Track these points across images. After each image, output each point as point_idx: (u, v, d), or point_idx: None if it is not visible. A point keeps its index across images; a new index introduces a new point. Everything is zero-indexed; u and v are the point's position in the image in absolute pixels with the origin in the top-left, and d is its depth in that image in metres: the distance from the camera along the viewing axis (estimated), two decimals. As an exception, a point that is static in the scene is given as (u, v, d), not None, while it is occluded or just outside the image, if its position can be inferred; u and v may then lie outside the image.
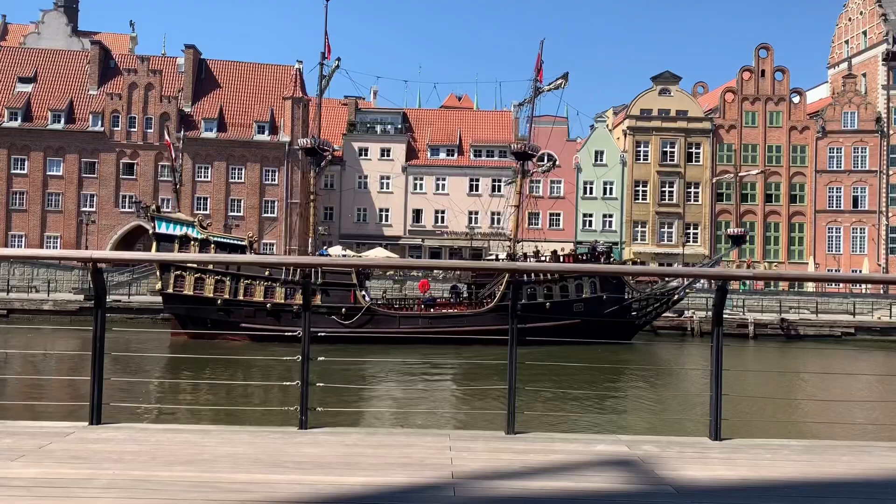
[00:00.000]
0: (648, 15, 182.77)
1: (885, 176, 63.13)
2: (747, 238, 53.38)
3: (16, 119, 61.64)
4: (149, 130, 61.70)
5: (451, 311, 38.76)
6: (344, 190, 65.36)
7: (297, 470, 4.20)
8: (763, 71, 64.77)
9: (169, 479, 3.94)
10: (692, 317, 44.19)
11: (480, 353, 30.66)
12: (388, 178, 65.59)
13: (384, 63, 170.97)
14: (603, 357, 29.34)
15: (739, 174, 62.82)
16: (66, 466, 4.16)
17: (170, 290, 36.60)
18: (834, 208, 63.67)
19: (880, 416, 19.26)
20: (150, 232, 38.91)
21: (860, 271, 60.40)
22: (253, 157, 62.54)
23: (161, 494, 3.71)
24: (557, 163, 53.70)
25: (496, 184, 64.42)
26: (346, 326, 35.36)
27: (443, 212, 65.10)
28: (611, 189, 64.53)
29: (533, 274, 35.80)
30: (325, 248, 47.61)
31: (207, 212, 59.25)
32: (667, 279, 39.58)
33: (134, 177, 61.87)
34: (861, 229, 63.30)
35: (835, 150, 63.90)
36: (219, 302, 36.24)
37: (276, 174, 62.67)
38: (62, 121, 61.77)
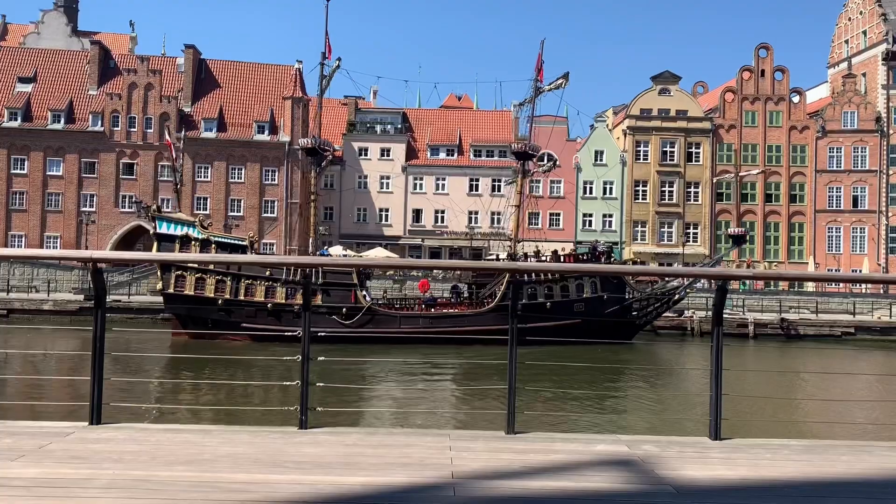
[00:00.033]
0: (648, 15, 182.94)
1: (884, 176, 63.13)
2: (747, 238, 53.28)
3: (16, 119, 61.66)
4: (149, 130, 61.71)
5: (451, 311, 38.76)
6: (344, 190, 65.36)
7: (297, 470, 4.20)
8: (763, 71, 64.75)
9: (169, 479, 3.94)
10: (692, 317, 44.19)
11: (481, 353, 30.64)
12: (388, 178, 65.57)
13: (384, 63, 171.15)
14: (603, 357, 29.32)
15: (739, 174, 62.86)
16: (66, 466, 4.16)
17: (171, 290, 36.63)
18: (834, 208, 63.67)
19: (880, 416, 19.25)
20: (152, 232, 38.93)
21: (860, 271, 60.37)
22: (253, 157, 62.55)
23: (161, 494, 3.71)
24: (557, 163, 53.61)
25: (496, 184, 64.42)
26: (346, 326, 35.36)
27: (443, 212, 65.08)
28: (611, 189, 64.53)
29: (533, 274, 35.82)
30: (325, 248, 47.62)
31: (207, 212, 59.22)
32: (667, 279, 39.58)
33: (134, 177, 61.88)
34: (861, 229, 63.30)
35: (835, 150, 63.89)
36: (220, 302, 36.28)
37: (276, 174, 62.67)
38: (62, 121, 61.77)
